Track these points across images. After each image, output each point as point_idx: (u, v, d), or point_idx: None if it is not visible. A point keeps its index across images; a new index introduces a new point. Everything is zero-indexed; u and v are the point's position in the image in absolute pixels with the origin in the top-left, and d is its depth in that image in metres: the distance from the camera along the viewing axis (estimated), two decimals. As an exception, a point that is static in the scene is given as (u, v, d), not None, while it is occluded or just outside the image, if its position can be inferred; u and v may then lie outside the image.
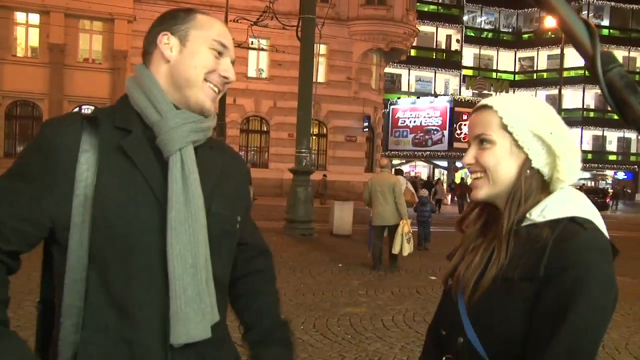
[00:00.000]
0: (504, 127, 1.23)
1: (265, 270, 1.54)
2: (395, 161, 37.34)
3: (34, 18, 25.40)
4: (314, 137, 29.00)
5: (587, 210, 1.19)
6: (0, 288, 1.15)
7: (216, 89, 1.29)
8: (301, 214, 12.81)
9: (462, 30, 44.90)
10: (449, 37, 45.04)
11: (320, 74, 28.30)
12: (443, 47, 44.88)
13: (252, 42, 23.12)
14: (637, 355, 5.42)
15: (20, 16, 25.46)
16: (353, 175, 28.56)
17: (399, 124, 39.28)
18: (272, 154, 28.84)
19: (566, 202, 1.20)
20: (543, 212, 1.19)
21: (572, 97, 44.86)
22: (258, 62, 28.91)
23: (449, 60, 44.43)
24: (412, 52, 36.97)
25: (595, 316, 1.10)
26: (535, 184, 1.23)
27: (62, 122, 1.21)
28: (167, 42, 1.27)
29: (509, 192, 1.23)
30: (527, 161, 1.23)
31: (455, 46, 45.15)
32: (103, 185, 1.17)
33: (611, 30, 44.80)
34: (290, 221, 12.86)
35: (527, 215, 1.21)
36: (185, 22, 1.28)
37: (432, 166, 43.46)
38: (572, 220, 1.16)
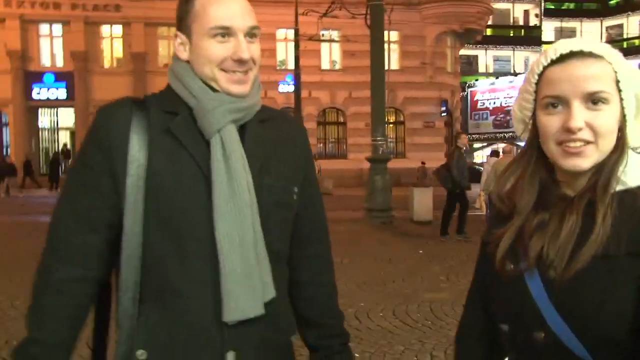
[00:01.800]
0: (617, 84, 1.04)
1: (321, 256, 1.48)
2: (477, 144, 36.34)
3: (117, 30, 26.76)
4: (391, 125, 28.80)
5: None
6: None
7: (239, 72, 1.27)
8: (380, 202, 12.77)
9: (541, 4, 42.90)
10: (526, 12, 43.18)
11: (394, 61, 28.02)
12: (521, 23, 43.13)
13: (323, 34, 23.19)
14: None
15: (105, 29, 26.94)
16: (433, 161, 28.04)
17: (478, 107, 38.07)
18: (350, 144, 28.86)
19: None
20: (629, 175, 1.06)
21: (668, 64, 41.80)
22: (331, 54, 29.01)
23: (528, 37, 42.56)
24: (488, 31, 35.80)
25: None
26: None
27: (112, 106, 1.28)
28: (181, 42, 1.30)
29: (609, 157, 1.06)
30: (624, 123, 1.07)
31: (534, 21, 43.22)
32: (154, 165, 1.21)
33: None
34: (370, 210, 12.87)
35: (622, 177, 1.05)
36: (189, 15, 1.27)
37: (515, 147, 41.93)
38: None
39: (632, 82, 1.07)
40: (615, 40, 45.16)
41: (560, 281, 1.03)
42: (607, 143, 1.05)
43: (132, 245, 1.22)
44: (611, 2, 44.73)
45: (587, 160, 1.04)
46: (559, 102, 1.05)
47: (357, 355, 4.48)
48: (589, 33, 44.44)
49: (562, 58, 1.05)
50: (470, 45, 36.02)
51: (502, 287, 1.14)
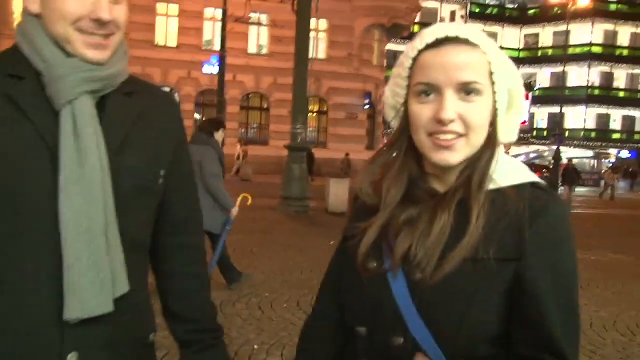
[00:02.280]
0: (490, 76, 0.99)
1: (191, 245, 1.35)
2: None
3: None
4: (315, 114, 28.87)
5: (529, 171, 1.05)
6: None
7: (97, 34, 1.09)
8: (296, 191, 12.75)
9: (467, 6, 44.33)
10: (453, 13, 44.49)
11: (321, 50, 28.07)
12: (447, 22, 44.35)
13: (251, 17, 22.79)
14: (624, 332, 5.34)
15: None
16: (353, 152, 28.44)
17: (401, 101, 38.95)
18: (272, 131, 28.69)
19: (512, 161, 1.05)
20: (498, 174, 1.02)
21: (577, 75, 44.27)
22: (258, 38, 28.64)
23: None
24: (415, 28, 36.52)
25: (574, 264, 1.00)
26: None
27: None
28: None
29: (480, 152, 1.01)
30: (495, 116, 1.02)
31: (459, 22, 44.59)
32: None
33: (619, 5, 44.04)
34: (285, 198, 12.81)
35: (492, 175, 1.01)
36: None
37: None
38: (534, 185, 1.01)
39: (506, 74, 1.01)
40: (532, 48, 47.42)
41: (426, 283, 0.97)
42: (478, 137, 0.99)
43: None
44: (530, 11, 46.80)
45: (457, 154, 0.99)
46: (431, 90, 0.98)
47: (256, 346, 4.40)
48: (509, 38, 46.35)
49: (437, 43, 0.98)
50: (397, 40, 36.64)
51: (360, 286, 1.06)
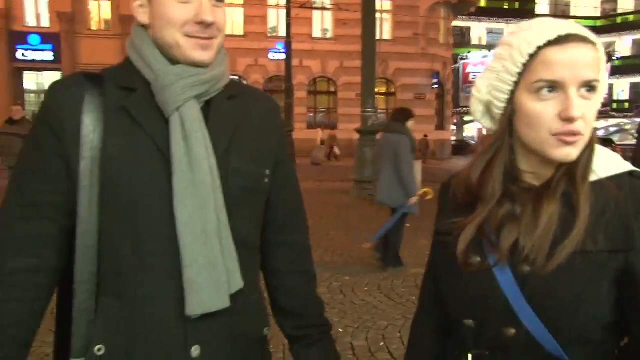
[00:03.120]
0: (600, 75, 1.00)
1: (296, 243, 1.39)
2: (467, 118, 36.29)
3: (105, -9, 26.15)
4: (382, 96, 28.59)
5: (623, 160, 1.06)
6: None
7: (203, 36, 1.15)
8: (368, 175, 12.70)
9: (537, -24, 42.42)
10: (522, -16, 42.69)
11: (386, 31, 27.71)
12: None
13: (315, 1, 22.75)
14: None
15: (92, -10, 26.28)
16: (423, 133, 28.07)
17: (470, 79, 37.96)
18: (341, 115, 28.71)
19: (607, 152, 1.06)
20: (596, 165, 1.02)
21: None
22: (323, 22, 28.59)
23: (522, 9, 42.17)
24: (482, 3, 35.41)
25: None
26: None
27: (64, 83, 1.18)
28: (140, 4, 1.17)
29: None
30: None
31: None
32: (109, 147, 1.12)
33: None
34: (358, 182, 12.80)
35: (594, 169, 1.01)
36: None
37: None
38: (632, 175, 1.02)
39: (606, 73, 1.03)
40: (610, 15, 44.86)
41: (536, 276, 0.98)
42: (590, 132, 1.00)
43: (87, 233, 1.13)
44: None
45: (578, 150, 0.99)
46: (555, 87, 0.97)
47: (340, 330, 4.46)
48: (584, 6, 44.04)
49: (559, 40, 0.97)
50: (464, 17, 35.64)
51: (464, 280, 1.07)
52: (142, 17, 1.18)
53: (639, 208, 0.97)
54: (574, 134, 0.97)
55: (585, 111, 0.97)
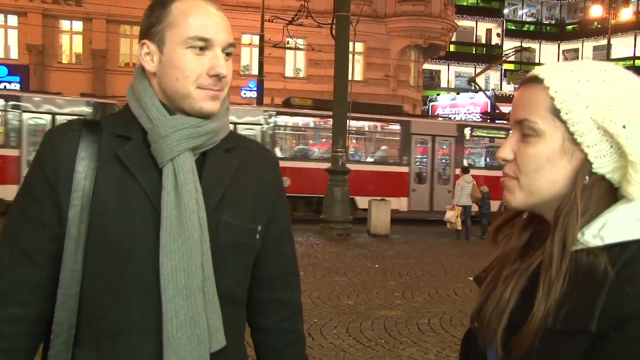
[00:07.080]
0: (556, 113, 0.85)
1: (287, 302, 1.35)
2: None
3: (78, 25, 26.05)
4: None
5: None
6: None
7: (214, 88, 1.15)
8: (338, 214, 12.71)
9: (503, 24, 43.89)
10: (489, 31, 44.09)
11: (358, 72, 28.17)
12: (483, 41, 43.98)
13: (288, 41, 23.07)
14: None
15: (65, 24, 26.14)
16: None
17: (439, 121, 38.74)
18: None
19: (638, 217, 0.84)
20: (601, 231, 0.83)
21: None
22: (295, 62, 28.93)
23: (490, 55, 43.40)
24: (451, 48, 36.42)
25: None
26: (598, 195, 0.86)
27: (61, 130, 1.17)
28: (148, 52, 1.16)
29: (560, 205, 0.86)
30: (585, 164, 0.85)
31: (495, 40, 44.15)
32: (99, 195, 1.11)
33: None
34: (327, 221, 12.78)
35: (579, 236, 0.84)
36: (161, 21, 1.14)
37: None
38: None
39: (580, 105, 0.85)
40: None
41: (503, 356, 0.88)
42: (537, 187, 0.88)
43: (70, 282, 1.10)
44: (568, 27, 46.09)
45: (513, 198, 0.91)
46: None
47: (307, 374, 4.36)
48: (547, 55, 45.71)
49: (522, 84, 0.93)
50: (434, 61, 36.56)
51: (471, 346, 1.01)
52: (149, 65, 1.16)
53: (620, 283, 0.79)
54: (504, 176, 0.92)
55: (520, 156, 0.90)
